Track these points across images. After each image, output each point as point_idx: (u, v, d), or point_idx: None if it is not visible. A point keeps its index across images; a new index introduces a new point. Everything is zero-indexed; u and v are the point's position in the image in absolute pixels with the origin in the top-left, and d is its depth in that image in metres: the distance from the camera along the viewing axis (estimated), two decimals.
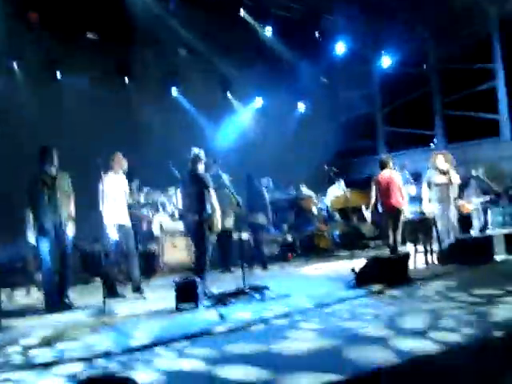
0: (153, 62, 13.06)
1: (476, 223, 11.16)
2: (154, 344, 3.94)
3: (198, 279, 5.66)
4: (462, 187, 11.34)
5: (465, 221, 11.01)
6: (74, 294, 7.13)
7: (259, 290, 5.91)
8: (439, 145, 15.70)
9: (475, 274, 6.59)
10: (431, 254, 7.91)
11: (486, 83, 14.58)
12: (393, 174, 8.30)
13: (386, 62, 15.13)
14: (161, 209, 10.61)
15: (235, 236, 9.41)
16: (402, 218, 8.23)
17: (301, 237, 11.68)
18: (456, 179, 8.30)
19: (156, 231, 9.96)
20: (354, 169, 15.91)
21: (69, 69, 11.61)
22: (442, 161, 8.29)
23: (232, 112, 14.99)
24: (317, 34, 12.72)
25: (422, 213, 8.43)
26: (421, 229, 8.24)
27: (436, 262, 7.82)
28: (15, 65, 10.97)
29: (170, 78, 13.55)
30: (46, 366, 3.56)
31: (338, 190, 11.67)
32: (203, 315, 5.03)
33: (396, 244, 8.12)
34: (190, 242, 8.25)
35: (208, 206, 6.48)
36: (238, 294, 5.77)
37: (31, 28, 10.59)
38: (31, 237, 6.05)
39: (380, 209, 8.39)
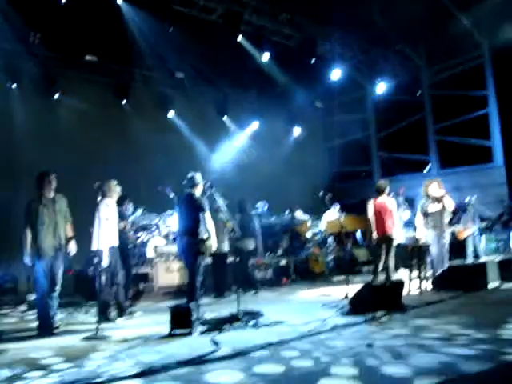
0: (150, 84, 13.22)
1: (470, 250, 11.21)
2: (148, 371, 3.92)
3: (192, 305, 5.64)
4: (457, 213, 11.45)
5: (459, 247, 11.06)
6: (66, 317, 7.10)
7: (253, 315, 5.91)
8: (433, 170, 15.86)
9: (468, 302, 6.60)
10: (425, 280, 7.93)
11: (479, 110, 14.80)
12: (387, 201, 8.35)
13: (381, 88, 15.34)
14: (156, 231, 10.62)
15: (230, 260, 9.43)
16: (394, 245, 8.27)
17: (295, 261, 11.66)
18: (450, 205, 8.37)
19: (150, 254, 9.95)
20: (349, 193, 16.01)
21: (67, 89, 11.72)
22: (435, 188, 8.37)
23: (228, 135, 15.11)
24: (313, 60, 12.87)
25: (416, 239, 8.46)
26: (415, 255, 8.27)
27: (430, 288, 7.83)
28: (14, 85, 11.04)
29: (167, 100, 13.68)
30: None
31: (333, 214, 11.71)
32: (197, 342, 5.01)
33: (388, 270, 8.13)
34: (183, 265, 8.23)
35: (203, 229, 6.48)
36: (232, 320, 5.75)
37: (31, 49, 10.71)
38: (28, 258, 6.02)
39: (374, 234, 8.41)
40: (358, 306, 6.14)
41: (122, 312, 6.87)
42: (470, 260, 10.90)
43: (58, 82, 11.60)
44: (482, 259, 10.52)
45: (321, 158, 16.81)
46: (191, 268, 6.52)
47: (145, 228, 10.56)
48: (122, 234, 7.32)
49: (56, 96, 11.63)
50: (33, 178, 6.33)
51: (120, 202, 7.44)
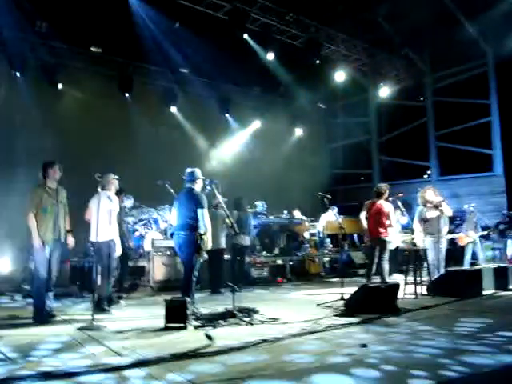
0: (154, 78, 13.21)
1: (469, 256, 11.26)
2: (142, 363, 3.93)
3: (187, 299, 5.65)
4: (454, 220, 11.50)
5: (457, 253, 11.11)
6: (62, 307, 7.11)
7: (248, 312, 5.93)
8: (433, 176, 15.89)
9: (461, 308, 6.62)
10: (421, 285, 7.95)
11: (481, 118, 14.83)
12: (384, 204, 8.41)
13: (384, 92, 15.36)
14: (153, 225, 10.64)
15: (227, 257, 9.46)
16: (389, 248, 8.33)
17: (292, 261, 11.69)
18: (448, 212, 8.43)
19: (147, 248, 9.97)
20: (348, 196, 16.06)
21: (71, 80, 11.72)
22: (432, 195, 8.43)
23: (230, 133, 15.12)
24: (318, 61, 12.89)
25: (414, 244, 8.51)
26: (411, 259, 8.30)
27: (425, 292, 7.85)
28: (17, 74, 11.03)
29: (169, 95, 13.67)
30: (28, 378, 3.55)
31: (330, 216, 11.74)
32: (191, 336, 5.02)
33: (383, 273, 8.19)
34: (180, 259, 8.23)
35: (201, 225, 6.48)
36: (226, 315, 5.77)
37: (37, 37, 10.70)
38: (38, 242, 6.02)
39: (366, 237, 8.51)
40: (353, 307, 6.17)
41: (112, 303, 6.97)
42: (466, 267, 10.93)
43: (61, 71, 11.59)
44: (478, 266, 10.56)
45: (321, 159, 16.82)
46: (188, 263, 6.52)
47: (143, 222, 10.58)
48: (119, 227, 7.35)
49: (59, 86, 11.62)
50: (32, 166, 6.35)
51: (116, 195, 7.45)
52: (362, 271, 11.52)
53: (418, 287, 7.87)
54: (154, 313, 6.30)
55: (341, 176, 17.50)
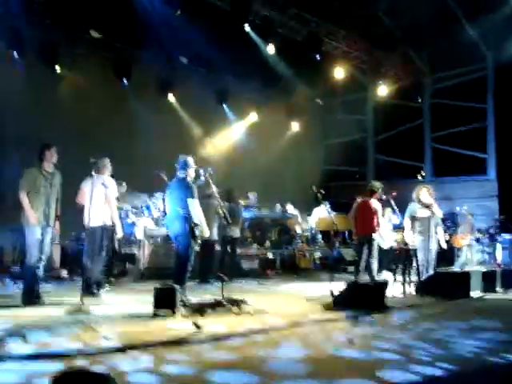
0: (152, 65, 13.11)
1: (464, 259, 11.34)
2: (129, 347, 3.94)
3: (177, 287, 5.66)
4: (445, 221, 11.56)
5: (449, 254, 11.18)
6: (51, 290, 7.11)
7: (237, 302, 5.94)
8: (426, 177, 15.96)
9: (448, 308, 6.68)
10: (410, 284, 8.00)
11: (477, 122, 14.89)
12: (374, 202, 8.46)
13: (382, 90, 15.36)
14: (146, 213, 10.60)
15: (217, 247, 9.47)
16: (380, 246, 8.37)
17: (282, 255, 11.72)
18: (438, 213, 8.47)
19: (139, 235, 9.94)
20: (342, 192, 16.06)
21: (68, 63, 11.63)
22: (425, 194, 8.46)
23: (226, 124, 15.09)
24: (318, 57, 12.87)
25: (404, 243, 8.55)
26: (401, 259, 8.36)
27: (413, 292, 7.90)
28: (15, 54, 10.91)
29: (168, 83, 13.60)
30: (19, 359, 3.55)
31: (323, 211, 11.76)
32: (179, 323, 5.03)
33: (371, 271, 8.23)
34: (172, 248, 8.24)
35: (192, 215, 6.47)
36: (215, 305, 5.78)
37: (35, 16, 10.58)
38: (34, 220, 6.01)
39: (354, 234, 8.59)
40: (342, 303, 6.20)
41: (102, 287, 6.99)
42: (456, 268, 11.02)
43: (59, 54, 11.49)
44: (467, 269, 10.65)
45: (317, 154, 16.85)
46: (182, 252, 6.51)
47: (135, 208, 10.54)
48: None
49: (57, 68, 11.52)
50: (27, 148, 6.33)
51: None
52: (351, 268, 11.55)
53: (407, 286, 7.92)
54: (143, 299, 6.28)
55: (335, 172, 17.51)
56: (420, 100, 16.14)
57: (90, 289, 6.67)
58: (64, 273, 8.95)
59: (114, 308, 5.92)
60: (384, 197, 9.01)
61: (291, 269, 11.51)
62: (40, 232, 6.06)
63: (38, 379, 3.08)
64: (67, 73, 11.63)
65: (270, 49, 12.31)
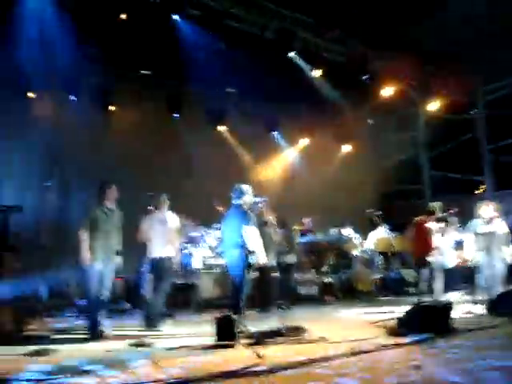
0: (202, 98, 13.42)
1: None
2: (192, 379, 3.94)
3: (236, 317, 5.66)
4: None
5: None
6: (114, 323, 7.26)
7: (297, 330, 5.86)
8: (489, 191, 15.34)
9: None
10: (478, 304, 7.65)
11: None
12: (431, 223, 8.26)
13: (433, 105, 15.03)
14: (202, 243, 10.72)
15: (275, 275, 9.42)
16: (437, 266, 8.13)
17: (340, 279, 11.52)
18: (502, 228, 8.15)
19: (197, 265, 10.05)
20: (399, 213, 15.67)
21: (121, 102, 12.11)
22: (486, 210, 8.18)
23: (277, 151, 15.18)
24: (364, 77, 12.81)
25: (466, 260, 8.26)
26: (466, 277, 8.04)
27: (482, 312, 7.52)
28: (72, 97, 11.48)
29: (217, 114, 13.88)
30: None
31: (381, 233, 11.54)
32: (240, 354, 5.00)
33: (435, 292, 7.97)
34: (229, 277, 8.27)
35: (249, 242, 6.47)
36: (275, 333, 5.73)
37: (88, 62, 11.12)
38: (87, 260, 6.21)
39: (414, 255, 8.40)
40: (406, 326, 5.98)
41: (163, 319, 7.04)
42: None
43: (112, 94, 12.02)
44: None
45: (370, 175, 16.57)
46: (238, 280, 6.52)
47: (192, 239, 10.68)
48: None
49: (111, 108, 12.04)
50: (83, 187, 6.59)
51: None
52: (413, 289, 11.21)
53: (475, 306, 7.57)
54: (203, 330, 6.32)
55: (390, 193, 17.13)
56: (473, 112, 15.67)
57: (151, 321, 6.78)
58: (127, 306, 9.16)
59: (174, 340, 5.97)
60: (444, 214, 8.76)
61: (350, 293, 11.29)
62: (100, 267, 6.24)
63: None
64: (120, 112, 12.09)
65: (316, 73, 12.36)
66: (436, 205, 8.48)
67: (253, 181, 12.65)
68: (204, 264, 9.85)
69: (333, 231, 12.64)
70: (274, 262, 9.03)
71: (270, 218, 7.21)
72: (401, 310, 6.30)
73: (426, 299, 7.78)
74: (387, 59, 13.26)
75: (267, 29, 11.34)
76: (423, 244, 8.13)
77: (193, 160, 12.28)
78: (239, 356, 4.87)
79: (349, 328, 6.66)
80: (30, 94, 10.77)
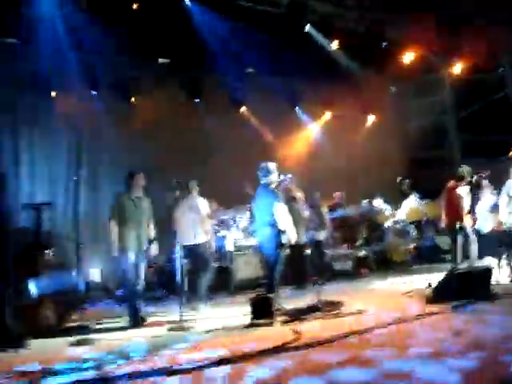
0: (222, 81, 13.36)
1: None
2: (232, 359, 3.99)
3: (272, 295, 5.69)
4: None
5: None
6: (151, 310, 7.41)
7: (333, 305, 5.87)
8: None
9: None
10: None
11: None
12: (460, 188, 8.09)
13: (458, 66, 14.61)
14: (234, 225, 10.77)
15: (307, 251, 9.40)
16: (469, 231, 7.99)
17: (374, 251, 11.44)
18: None
19: (229, 248, 10.12)
20: (430, 179, 15.40)
21: (142, 92, 12.15)
22: None
23: (301, 127, 15.05)
24: (384, 44, 12.53)
25: (501, 223, 8.08)
26: (503, 241, 7.87)
27: None
28: (93, 92, 11.59)
29: (238, 96, 13.81)
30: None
31: (412, 202, 11.38)
32: (278, 331, 5.04)
33: (470, 257, 7.84)
34: (262, 257, 8.32)
35: (279, 220, 6.46)
36: (311, 309, 5.75)
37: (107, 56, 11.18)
38: (117, 251, 6.30)
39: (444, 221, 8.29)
40: (442, 294, 5.91)
41: (201, 303, 7.17)
42: None
43: (133, 85, 12.07)
44: None
45: (398, 144, 16.28)
46: (272, 259, 6.54)
47: (223, 222, 10.75)
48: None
49: (131, 99, 12.11)
50: (112, 179, 6.66)
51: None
52: (448, 257, 11.06)
53: None
54: (239, 311, 6.39)
55: (419, 159, 16.82)
56: (501, 70, 15.15)
57: (191, 305, 6.95)
58: (162, 292, 9.32)
59: (212, 322, 6.05)
60: (475, 178, 8.57)
61: (385, 264, 11.21)
62: (133, 257, 6.33)
63: None
64: (141, 102, 12.13)
65: (334, 44, 12.15)
66: (465, 169, 8.28)
67: (278, 159, 12.64)
68: (235, 246, 9.91)
69: (364, 203, 12.53)
70: (304, 239, 9.01)
71: (298, 194, 7.16)
72: (436, 279, 6.22)
73: (461, 266, 7.68)
74: (406, 23, 12.91)
75: (280, 4, 11.17)
76: (454, 210, 7.98)
77: (217, 143, 12.27)
78: (277, 334, 4.91)
79: (385, 299, 6.64)
80: (53, 93, 10.91)
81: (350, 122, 15.27)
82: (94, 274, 10.09)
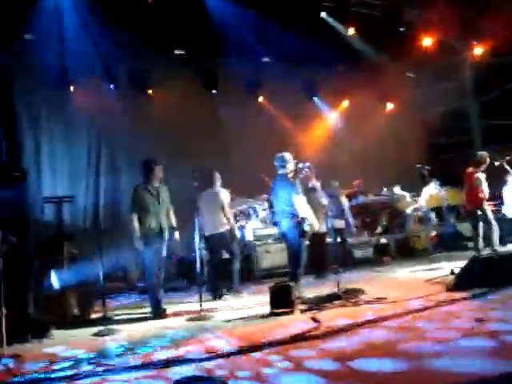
0: (237, 71, 13.31)
1: None
2: (250, 348, 4.00)
3: (292, 284, 5.68)
4: None
5: None
6: (172, 301, 7.47)
7: (354, 293, 5.84)
8: None
9: None
10: None
11: None
12: (478, 173, 7.98)
13: (478, 50, 14.30)
14: (253, 215, 10.78)
15: (328, 240, 9.37)
16: (491, 216, 7.89)
17: (395, 239, 11.34)
18: None
19: (249, 237, 10.15)
20: (450, 165, 15.18)
21: (158, 84, 12.19)
22: None
23: (319, 115, 14.94)
24: (401, 29, 12.31)
25: None
26: None
27: None
28: (110, 86, 11.67)
29: (255, 85, 13.76)
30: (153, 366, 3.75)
31: (432, 189, 11.23)
32: (298, 320, 5.03)
33: (492, 243, 7.73)
34: (282, 246, 8.32)
35: (300, 210, 6.43)
36: (332, 298, 5.73)
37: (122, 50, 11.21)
38: (138, 242, 6.33)
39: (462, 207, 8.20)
40: (465, 281, 5.83)
41: (223, 293, 7.24)
42: None
43: (149, 78, 12.11)
44: None
45: (416, 130, 16.06)
46: (295, 248, 6.52)
47: (242, 212, 10.76)
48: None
49: (148, 91, 12.16)
50: (133, 170, 6.70)
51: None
52: (471, 244, 10.91)
53: None
54: (260, 300, 6.41)
55: (439, 145, 16.58)
56: None
57: (215, 294, 7.01)
58: (183, 283, 9.39)
59: (232, 312, 6.07)
60: (497, 163, 8.43)
61: (407, 252, 11.11)
62: (154, 247, 6.36)
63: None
64: (158, 94, 12.17)
65: (350, 31, 12.00)
66: (485, 154, 8.15)
67: (296, 148, 12.58)
68: (254, 236, 9.93)
69: (385, 191, 12.43)
70: (324, 228, 8.97)
71: (317, 183, 7.12)
72: (458, 265, 6.14)
73: (483, 252, 7.57)
74: (423, 6, 12.67)
75: None
76: (475, 195, 7.87)
77: (234, 133, 12.27)
78: (297, 322, 4.90)
79: (406, 287, 6.58)
80: (72, 87, 11.01)
81: (369, 109, 15.11)
82: (115, 265, 10.18)
